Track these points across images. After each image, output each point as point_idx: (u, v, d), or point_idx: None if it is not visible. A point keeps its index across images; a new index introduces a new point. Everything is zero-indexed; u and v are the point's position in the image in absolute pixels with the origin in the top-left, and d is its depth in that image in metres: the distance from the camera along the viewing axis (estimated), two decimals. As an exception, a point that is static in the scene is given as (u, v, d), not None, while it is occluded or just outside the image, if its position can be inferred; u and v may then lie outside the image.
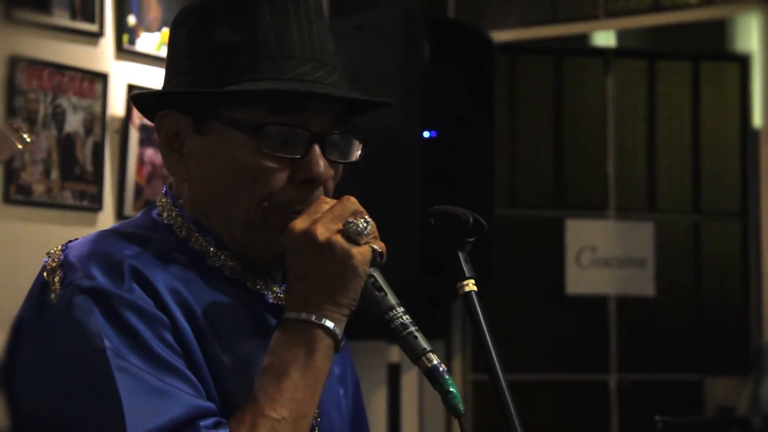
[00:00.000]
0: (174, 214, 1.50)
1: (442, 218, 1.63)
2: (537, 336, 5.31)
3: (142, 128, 4.15)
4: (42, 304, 1.38)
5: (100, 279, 1.36)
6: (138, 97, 1.55)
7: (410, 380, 4.67)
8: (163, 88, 1.53)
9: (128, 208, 4.11)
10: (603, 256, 5.28)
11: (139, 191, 4.15)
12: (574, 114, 5.46)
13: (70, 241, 1.47)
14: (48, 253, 1.45)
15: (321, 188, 1.47)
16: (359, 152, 1.51)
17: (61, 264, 1.40)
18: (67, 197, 3.92)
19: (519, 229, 5.32)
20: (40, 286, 1.40)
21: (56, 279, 1.39)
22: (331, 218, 1.39)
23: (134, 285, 1.37)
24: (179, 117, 1.49)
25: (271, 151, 1.43)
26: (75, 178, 3.94)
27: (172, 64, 1.52)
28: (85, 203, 3.98)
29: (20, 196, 3.77)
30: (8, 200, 3.74)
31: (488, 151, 4.39)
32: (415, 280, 3.60)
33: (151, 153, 4.19)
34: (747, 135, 5.45)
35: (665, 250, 5.39)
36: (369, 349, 3.72)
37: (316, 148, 1.45)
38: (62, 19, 3.91)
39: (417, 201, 3.85)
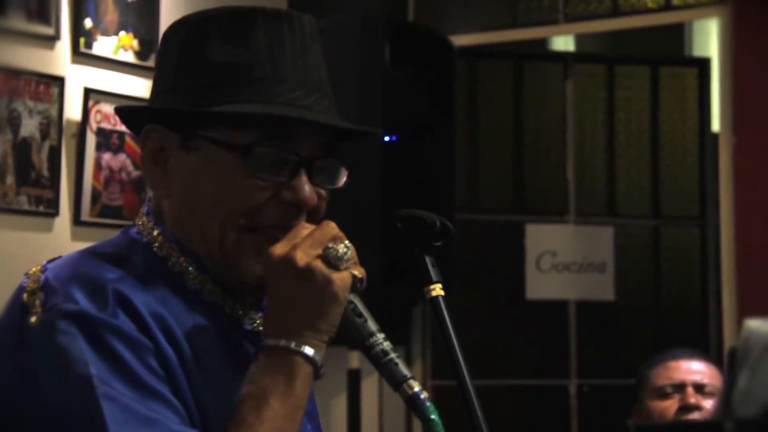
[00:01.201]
0: (155, 233, 1.47)
1: (409, 222, 1.62)
2: (497, 341, 5.31)
3: (99, 132, 4.11)
4: (22, 327, 1.35)
5: (84, 303, 1.33)
6: (123, 110, 1.53)
7: (370, 385, 4.64)
8: (150, 101, 1.51)
9: (85, 213, 4.06)
10: (563, 260, 5.28)
11: (96, 196, 4.11)
12: (534, 118, 5.47)
13: (49, 261, 1.43)
14: (26, 274, 1.41)
15: (304, 213, 1.45)
16: (344, 178, 1.50)
17: (41, 286, 1.37)
18: (23, 202, 3.87)
19: (479, 234, 5.31)
20: (20, 307, 1.36)
21: (37, 302, 1.35)
22: (310, 243, 1.37)
23: (118, 310, 1.34)
24: (165, 133, 1.47)
25: (258, 173, 1.42)
26: (31, 183, 3.88)
27: (160, 76, 1.50)
28: (42, 208, 3.93)
29: (-25, 201, 3.72)
30: (-38, 205, 3.69)
31: (449, 156, 4.38)
32: (376, 285, 3.58)
33: (108, 157, 4.14)
34: (705, 139, 5.48)
35: (625, 255, 5.41)
36: (329, 354, 3.68)
37: (303, 172, 1.44)
38: (17, 22, 3.86)
39: (377, 206, 3.83)
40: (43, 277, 1.38)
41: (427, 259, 1.60)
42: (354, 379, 4.14)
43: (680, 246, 5.56)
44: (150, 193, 1.54)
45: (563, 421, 5.27)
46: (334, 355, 3.91)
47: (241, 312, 1.49)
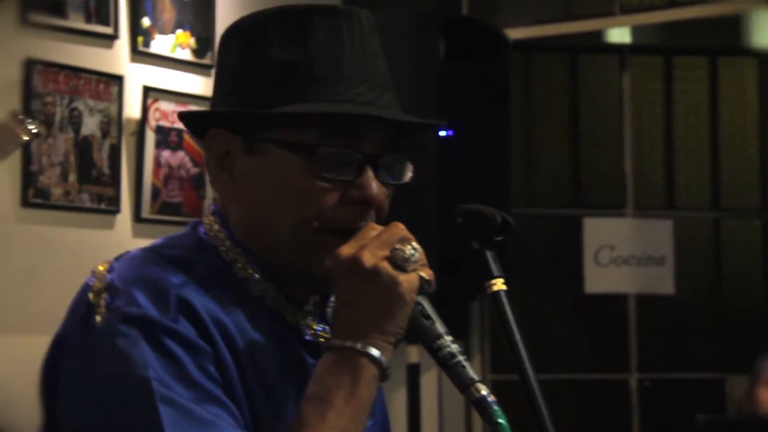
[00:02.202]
0: (222, 235, 1.47)
1: (469, 217, 1.62)
2: (556, 335, 5.29)
3: (158, 130, 4.15)
4: (87, 326, 1.36)
5: (146, 307, 1.33)
6: (187, 115, 1.52)
7: (430, 380, 4.65)
8: (212, 105, 1.50)
9: (145, 211, 4.10)
10: (622, 254, 5.25)
11: (156, 193, 4.15)
12: (591, 111, 5.43)
13: (116, 259, 1.44)
14: (93, 272, 1.41)
15: (373, 211, 1.44)
16: (410, 174, 1.49)
17: (106, 286, 1.37)
18: (85, 200, 3.92)
19: (536, 228, 5.29)
20: (85, 306, 1.37)
21: (101, 302, 1.36)
22: (378, 245, 1.36)
23: (179, 314, 1.34)
24: (229, 136, 1.45)
25: (324, 172, 1.41)
26: (92, 180, 3.93)
27: (221, 80, 1.50)
28: (103, 206, 3.97)
29: (38, 199, 3.77)
30: (26, 203, 3.74)
31: (505, 150, 4.37)
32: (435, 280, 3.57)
33: (167, 155, 4.18)
34: (765, 131, 5.42)
35: (685, 248, 5.36)
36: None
37: (369, 169, 1.43)
38: (77, 22, 3.91)
39: (434, 200, 3.83)
40: (108, 278, 1.38)
41: (489, 254, 1.60)
42: (413, 373, 4.14)
43: (741, 238, 5.50)
44: (214, 194, 1.54)
45: (624, 415, 5.24)
46: (394, 350, 3.93)
47: (302, 322, 1.49)
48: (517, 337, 1.55)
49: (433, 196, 3.85)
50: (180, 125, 4.16)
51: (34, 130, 1.94)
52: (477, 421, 4.99)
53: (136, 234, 4.07)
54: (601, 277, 5.25)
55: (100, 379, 1.32)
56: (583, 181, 5.40)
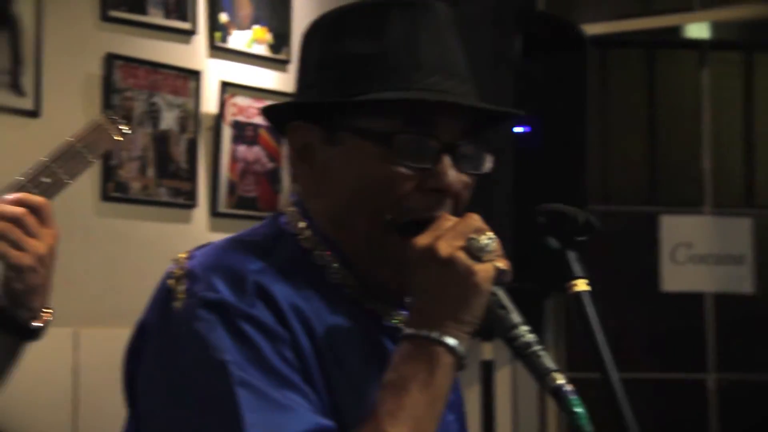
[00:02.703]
0: (302, 225, 1.49)
1: (552, 216, 1.61)
2: (632, 334, 5.24)
3: (235, 125, 4.18)
4: (166, 312, 1.38)
5: (224, 292, 1.36)
6: (269, 109, 1.55)
7: (504, 377, 4.63)
8: (294, 99, 1.53)
9: (222, 205, 4.14)
10: (699, 252, 5.18)
11: (232, 188, 4.18)
12: (668, 108, 5.37)
13: (197, 248, 1.46)
14: (174, 260, 1.44)
15: (449, 200, 1.45)
16: (490, 164, 1.50)
17: (186, 273, 1.40)
18: (163, 194, 3.96)
19: (612, 225, 5.24)
20: (166, 292, 1.40)
21: (181, 288, 1.38)
22: (453, 235, 1.37)
23: (256, 300, 1.36)
24: (310, 128, 1.48)
25: (402, 160, 1.42)
26: (170, 175, 3.97)
27: (302, 75, 1.53)
28: (180, 200, 4.02)
29: (117, 193, 3.82)
30: (106, 197, 3.79)
31: (581, 146, 4.33)
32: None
33: (243, 150, 4.21)
34: None
35: (764, 246, 5.28)
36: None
37: (446, 158, 1.44)
38: (157, 18, 3.96)
39: (510, 197, 3.81)
40: (188, 265, 1.41)
41: (570, 254, 1.59)
42: (487, 370, 4.13)
43: (822, 237, 5.40)
44: (296, 188, 1.56)
45: (701, 415, 5.18)
46: (467, 347, 3.93)
47: (381, 309, 1.50)
48: (600, 337, 1.54)
49: (508, 193, 3.84)
50: (257, 120, 4.19)
51: (127, 131, 1.96)
52: (551, 417, 4.97)
53: (213, 228, 4.11)
54: (678, 276, 5.18)
55: (178, 362, 1.35)
56: (660, 178, 5.34)
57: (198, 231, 4.06)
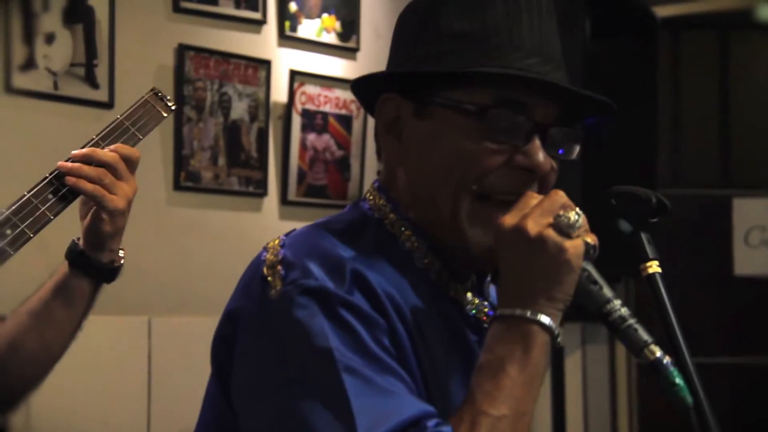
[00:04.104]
0: (386, 209, 1.49)
1: (623, 198, 1.60)
2: (705, 318, 5.19)
3: (304, 114, 4.20)
4: (263, 300, 1.38)
5: (322, 279, 1.35)
6: (360, 80, 1.54)
7: (574, 363, 4.62)
8: (390, 71, 1.53)
9: (292, 193, 4.16)
10: (773, 235, 5.12)
11: (302, 176, 4.21)
12: (742, 90, 5.31)
13: (287, 234, 1.46)
14: (265, 247, 1.44)
15: (536, 182, 1.44)
16: (578, 150, 1.49)
17: (281, 260, 1.39)
18: (234, 183, 4.00)
19: (685, 209, 5.19)
20: (260, 280, 1.39)
21: (276, 276, 1.38)
22: (540, 212, 1.36)
23: (354, 287, 1.36)
24: (400, 101, 1.48)
25: (493, 136, 1.42)
26: (241, 164, 4.01)
27: (397, 50, 1.52)
28: (251, 189, 4.05)
29: (189, 182, 3.86)
30: (178, 187, 3.84)
31: (652, 130, 4.29)
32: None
33: (312, 138, 4.23)
34: None
35: (840, 229, 5.20)
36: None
37: (537, 138, 1.43)
38: (227, 8, 3.99)
39: (579, 181, 3.79)
40: (282, 252, 1.40)
41: (643, 236, 1.58)
42: (558, 356, 4.12)
43: None
44: (380, 167, 1.56)
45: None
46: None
47: (463, 297, 1.50)
48: (673, 319, 1.53)
49: (578, 177, 3.82)
50: (326, 108, 4.21)
51: (173, 107, 1.99)
52: (622, 403, 4.94)
53: (283, 216, 4.14)
54: (751, 259, 5.12)
55: (281, 350, 1.34)
56: (733, 160, 5.28)
57: (268, 219, 4.09)
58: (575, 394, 4.72)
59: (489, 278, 1.55)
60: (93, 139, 1.91)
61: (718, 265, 5.20)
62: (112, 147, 1.89)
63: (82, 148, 1.89)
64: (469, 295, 1.51)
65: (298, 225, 1.51)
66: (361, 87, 1.56)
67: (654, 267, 1.56)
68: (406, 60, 1.49)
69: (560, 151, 1.47)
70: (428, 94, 1.45)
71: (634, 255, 1.57)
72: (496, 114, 1.41)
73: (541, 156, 1.43)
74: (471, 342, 1.44)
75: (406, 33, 1.51)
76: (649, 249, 1.57)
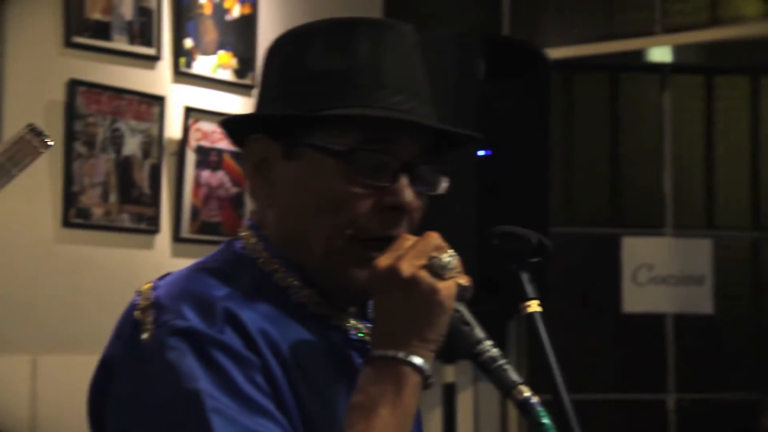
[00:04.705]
0: (259, 247, 1.49)
1: (505, 238, 1.63)
2: (594, 354, 5.27)
3: (199, 150, 4.19)
4: (134, 344, 1.37)
5: (193, 320, 1.35)
6: (227, 121, 1.54)
7: (465, 400, 4.64)
8: (254, 112, 1.53)
9: (185, 230, 4.14)
10: (660, 273, 5.23)
11: (195, 213, 4.18)
12: (631, 130, 5.43)
13: (159, 279, 1.46)
14: (138, 291, 1.43)
15: (406, 219, 1.46)
16: (445, 185, 1.50)
17: (153, 303, 1.39)
18: (125, 220, 3.96)
19: (575, 247, 5.28)
20: (132, 324, 1.39)
21: (148, 318, 1.37)
22: (414, 254, 1.38)
23: (226, 326, 1.35)
24: (268, 142, 1.48)
25: (360, 177, 1.43)
26: (133, 200, 3.97)
27: (264, 88, 1.52)
28: (143, 225, 4.01)
29: (79, 219, 3.81)
30: (67, 223, 3.78)
31: (544, 169, 4.37)
32: (471, 299, 3.58)
33: (207, 175, 4.22)
34: (807, 150, 5.38)
35: (724, 268, 5.33)
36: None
37: (404, 177, 1.44)
38: (120, 44, 3.96)
39: (473, 220, 3.84)
40: (154, 295, 1.40)
41: (524, 276, 1.61)
42: (449, 393, 4.14)
43: (780, 258, 5.47)
44: (252, 206, 1.56)
45: (661, 435, 5.22)
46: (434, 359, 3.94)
47: (347, 323, 1.50)
48: (552, 357, 1.56)
49: (472, 216, 3.86)
50: (221, 145, 4.20)
51: (50, 143, 1.97)
52: (515, 440, 4.98)
53: (175, 254, 4.11)
54: (639, 297, 5.23)
55: (150, 393, 1.33)
56: (622, 199, 5.39)
57: (160, 257, 4.05)
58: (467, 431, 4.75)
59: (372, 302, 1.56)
60: None
61: (607, 303, 5.30)
62: None
63: None
64: (351, 321, 1.51)
65: (191, 262, 1.51)
66: (231, 127, 1.55)
67: (534, 306, 1.59)
68: (273, 100, 1.49)
69: (427, 188, 1.48)
70: (295, 135, 1.46)
71: (515, 292, 1.61)
72: (362, 156, 1.42)
73: (408, 195, 1.44)
74: (358, 366, 1.45)
75: (272, 71, 1.51)
76: (529, 288, 1.60)
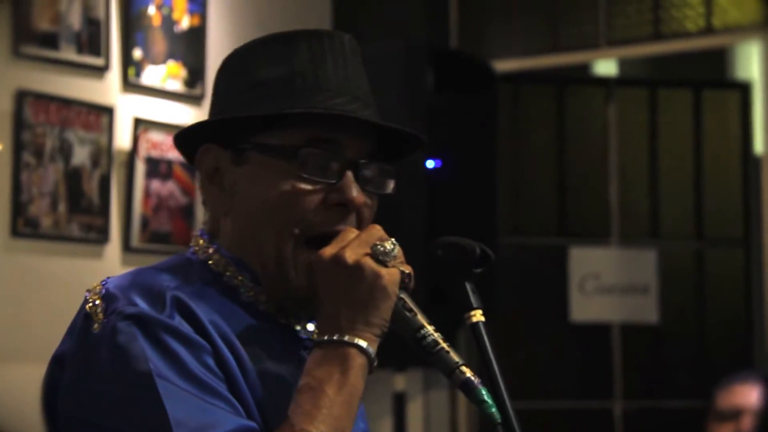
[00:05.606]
0: (211, 251, 1.53)
1: (449, 249, 1.66)
2: (541, 363, 5.32)
3: (148, 161, 4.19)
4: (86, 335, 1.41)
5: (142, 305, 1.39)
6: (180, 134, 1.58)
7: (416, 409, 4.67)
8: (202, 120, 1.58)
9: (135, 240, 4.13)
10: (606, 283, 5.29)
11: (145, 223, 4.18)
12: (577, 142, 5.49)
13: (109, 278, 1.49)
14: (88, 290, 1.46)
15: (353, 216, 1.51)
16: (392, 185, 1.55)
17: (102, 296, 1.42)
18: (74, 230, 3.94)
19: (523, 257, 5.33)
20: (83, 318, 1.42)
21: (99, 310, 1.41)
22: (358, 243, 1.43)
23: (175, 312, 1.40)
24: (219, 151, 1.53)
25: (306, 175, 1.47)
26: (82, 210, 3.96)
27: (214, 104, 1.58)
28: (92, 235, 4.00)
29: (27, 229, 3.80)
30: (15, 233, 3.77)
31: (492, 180, 4.42)
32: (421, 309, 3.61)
33: (157, 185, 4.22)
34: (748, 162, 5.47)
35: (668, 277, 5.41)
36: (374, 377, 3.72)
37: (349, 173, 1.49)
38: (69, 54, 3.95)
39: (422, 230, 3.88)
40: (103, 290, 1.44)
41: (468, 286, 1.63)
42: (399, 402, 4.17)
43: (724, 268, 5.54)
44: (204, 217, 1.60)
45: (608, 443, 5.27)
46: (379, 379, 3.97)
47: (295, 321, 1.54)
48: (496, 368, 1.58)
49: (421, 226, 3.90)
50: (170, 155, 4.20)
51: None
52: (464, 449, 5.01)
53: (125, 263, 4.10)
54: (586, 306, 5.29)
55: (102, 377, 1.37)
56: (569, 210, 5.45)
57: (110, 266, 4.04)
58: (416, 440, 4.77)
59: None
60: None
61: (555, 312, 5.35)
62: None
63: None
64: (299, 320, 1.55)
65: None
66: (183, 141, 1.60)
67: (478, 316, 1.61)
68: (221, 111, 1.55)
69: (373, 187, 1.53)
70: (243, 141, 1.51)
71: (459, 303, 1.63)
72: (306, 153, 1.48)
73: (354, 191, 1.49)
74: (306, 358, 1.48)
75: (221, 87, 1.57)
76: (473, 298, 1.62)
